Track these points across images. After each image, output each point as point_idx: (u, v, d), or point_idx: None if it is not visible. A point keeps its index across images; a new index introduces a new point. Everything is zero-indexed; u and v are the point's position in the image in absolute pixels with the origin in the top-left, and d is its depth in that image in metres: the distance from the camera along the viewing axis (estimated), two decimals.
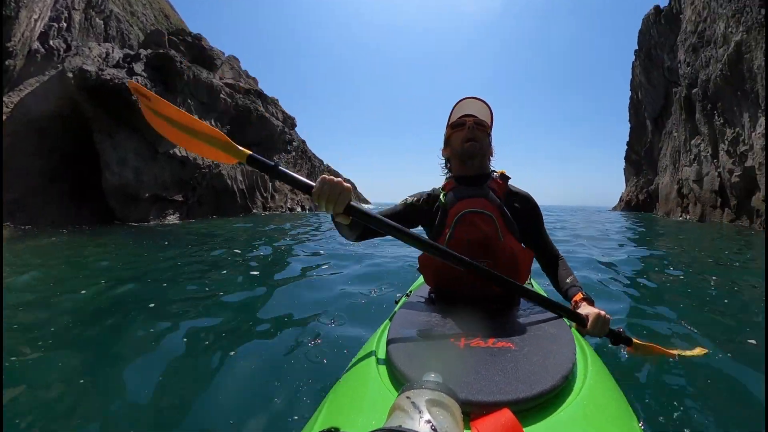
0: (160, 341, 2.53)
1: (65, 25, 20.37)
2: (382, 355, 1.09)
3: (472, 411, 0.76)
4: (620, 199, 43.00)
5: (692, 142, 16.34)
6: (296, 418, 1.68)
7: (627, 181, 43.20)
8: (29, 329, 2.79)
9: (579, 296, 1.31)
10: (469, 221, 1.37)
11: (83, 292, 3.75)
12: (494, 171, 1.57)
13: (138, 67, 15.22)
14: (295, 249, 6.94)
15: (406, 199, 1.57)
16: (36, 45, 16.58)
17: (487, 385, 0.83)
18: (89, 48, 17.20)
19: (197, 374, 2.11)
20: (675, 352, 1.42)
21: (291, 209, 22.28)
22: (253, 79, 31.66)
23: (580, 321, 1.20)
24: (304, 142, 31.23)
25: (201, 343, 2.52)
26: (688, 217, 16.51)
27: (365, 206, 1.44)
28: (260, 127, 21.75)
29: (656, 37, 29.91)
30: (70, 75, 13.27)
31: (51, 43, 18.87)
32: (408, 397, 0.59)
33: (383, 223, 1.17)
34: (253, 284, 4.10)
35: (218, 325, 2.84)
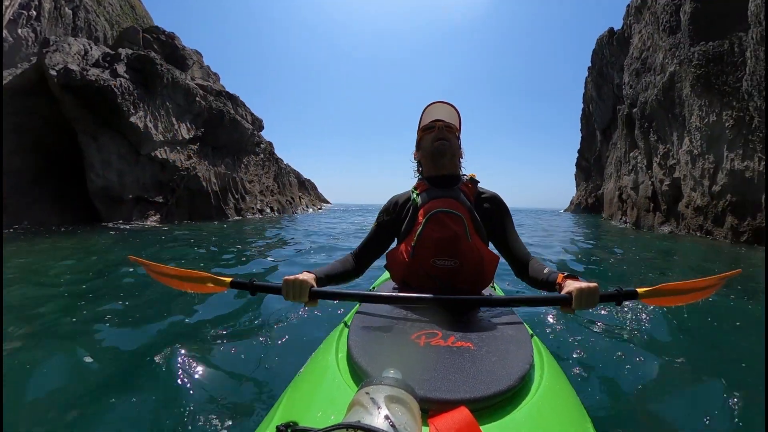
0: (114, 344, 2.60)
1: (35, 13, 19.98)
2: (342, 350, 1.11)
3: (430, 408, 0.77)
4: (571, 201, 46.01)
5: (631, 154, 18.44)
6: (255, 411, 1.70)
7: (578, 185, 46.24)
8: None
9: (560, 277, 1.29)
10: (439, 220, 1.40)
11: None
12: (464, 174, 1.64)
13: (120, 69, 15.31)
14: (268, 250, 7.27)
15: (377, 219, 1.65)
16: (4, 33, 16.20)
17: (445, 383, 0.84)
18: (68, 44, 16.87)
19: (151, 375, 2.09)
20: (694, 284, 1.31)
21: (261, 210, 22.80)
22: (216, 74, 31.50)
23: (563, 301, 1.18)
24: (270, 144, 31.68)
25: (156, 344, 2.52)
26: (626, 219, 18.56)
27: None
28: (232, 130, 22.12)
29: (608, 57, 32.52)
30: (54, 73, 13.27)
31: (19, 32, 18.42)
32: (367, 393, 0.60)
33: (347, 294, 1.37)
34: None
35: (173, 325, 2.90)
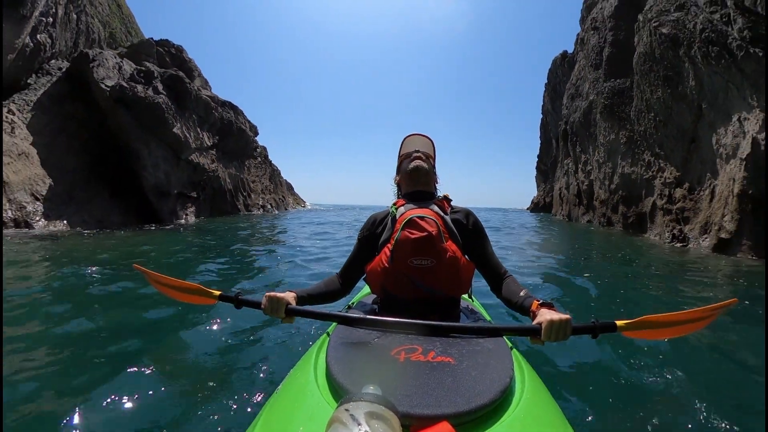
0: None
1: (51, 20, 20.27)
2: (321, 366, 1.11)
3: (411, 424, 0.77)
4: (532, 201, 51.22)
5: (565, 161, 23.27)
6: (232, 429, 1.68)
7: (538, 186, 51.50)
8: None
9: (535, 304, 1.27)
10: (415, 223, 1.49)
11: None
12: (439, 195, 1.78)
13: (159, 86, 18.71)
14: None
15: (358, 236, 1.74)
16: (26, 39, 16.93)
17: (426, 399, 0.84)
18: (106, 59, 18.99)
19: (120, 385, 2.08)
20: (682, 316, 1.21)
21: (263, 207, 26.49)
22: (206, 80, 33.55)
23: (533, 332, 1.16)
24: (265, 148, 35.15)
25: (128, 352, 2.57)
26: (562, 212, 23.36)
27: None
28: (239, 138, 25.72)
29: (561, 76, 37.60)
30: (106, 88, 16.52)
31: (38, 37, 18.82)
32: (347, 410, 0.60)
33: (322, 314, 1.36)
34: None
35: (146, 332, 2.95)
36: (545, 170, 47.52)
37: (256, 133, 32.50)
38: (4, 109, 15.09)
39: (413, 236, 1.47)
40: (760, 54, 9.55)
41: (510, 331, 1.28)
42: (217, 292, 1.48)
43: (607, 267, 7.35)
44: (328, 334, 1.39)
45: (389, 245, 1.53)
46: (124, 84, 16.89)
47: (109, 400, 1.94)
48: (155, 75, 19.66)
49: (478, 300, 2.25)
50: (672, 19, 12.50)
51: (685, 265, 7.83)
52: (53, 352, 2.76)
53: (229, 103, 29.04)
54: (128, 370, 2.26)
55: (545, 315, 1.17)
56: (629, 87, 16.46)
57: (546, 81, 43.01)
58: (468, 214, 1.68)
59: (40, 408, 1.96)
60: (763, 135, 9.09)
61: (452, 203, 1.75)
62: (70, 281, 5.00)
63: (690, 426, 1.89)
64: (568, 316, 1.15)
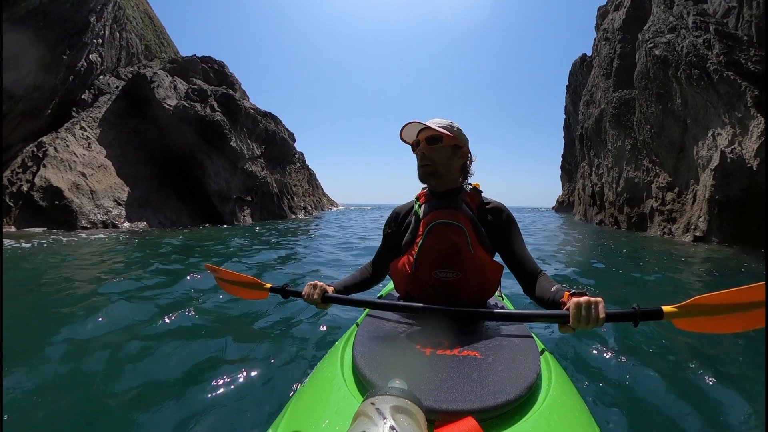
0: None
1: (100, 40, 21.90)
2: (347, 360, 1.11)
3: (436, 419, 0.77)
4: (557, 200, 52.43)
5: (582, 164, 24.90)
6: (259, 422, 1.70)
7: (563, 185, 52.60)
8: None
9: (566, 295, 1.18)
10: (439, 232, 1.40)
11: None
12: (470, 184, 1.59)
13: (214, 104, 21.60)
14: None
15: (383, 231, 1.70)
16: (86, 59, 18.88)
17: (451, 394, 0.84)
18: (162, 79, 21.39)
19: (150, 376, 2.17)
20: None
21: (305, 209, 29.28)
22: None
23: (561, 318, 1.11)
24: (302, 153, 37.96)
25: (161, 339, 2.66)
26: (580, 212, 25.10)
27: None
28: (281, 146, 28.51)
29: (581, 79, 38.75)
30: (168, 107, 19.38)
31: (91, 57, 20.42)
32: (372, 403, 0.60)
33: (355, 301, 1.46)
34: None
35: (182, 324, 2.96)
36: (569, 170, 48.66)
37: (294, 140, 35.33)
38: (77, 126, 17.79)
39: (438, 247, 1.39)
40: (732, 77, 11.36)
41: (538, 318, 1.19)
42: (268, 285, 1.61)
43: (615, 258, 8.41)
44: (357, 325, 1.39)
45: (413, 251, 1.45)
46: (186, 104, 19.76)
47: (134, 382, 2.07)
48: (208, 93, 22.41)
49: (508, 299, 2.19)
50: (664, 41, 14.27)
51: (672, 251, 9.70)
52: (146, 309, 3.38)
53: (270, 113, 31.82)
54: (151, 357, 2.39)
55: (574, 300, 1.10)
56: (634, 98, 18.13)
57: (567, 83, 44.16)
58: (499, 210, 1.53)
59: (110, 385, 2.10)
60: (730, 149, 10.92)
61: (483, 195, 1.58)
62: (155, 263, 6.32)
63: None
64: (599, 299, 1.08)
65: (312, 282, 1.51)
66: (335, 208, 42.76)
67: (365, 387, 0.93)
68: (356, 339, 1.18)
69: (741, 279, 6.26)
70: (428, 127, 1.49)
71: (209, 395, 1.91)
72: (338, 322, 2.94)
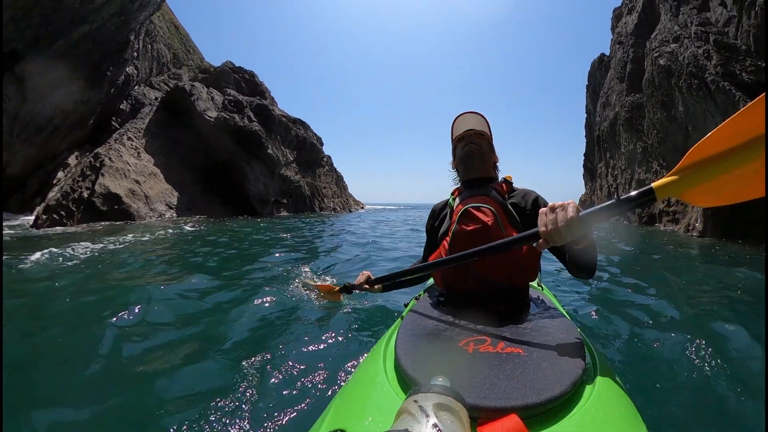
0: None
1: (136, 54, 23.98)
2: (390, 358, 1.13)
3: (479, 416, 0.77)
4: (579, 199, 52.80)
5: (599, 164, 25.84)
6: (303, 419, 1.72)
7: (585, 184, 52.89)
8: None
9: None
10: (470, 215, 1.48)
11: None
12: (502, 178, 1.70)
13: (251, 115, 23.61)
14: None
15: (426, 228, 1.85)
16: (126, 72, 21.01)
17: (495, 391, 0.84)
18: (199, 92, 23.37)
19: (197, 369, 2.20)
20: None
21: (334, 209, 31.17)
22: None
23: (533, 237, 1.12)
24: (330, 157, 39.72)
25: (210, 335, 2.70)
26: None
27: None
28: (311, 151, 30.47)
29: (599, 79, 39.11)
30: (209, 118, 21.46)
31: (128, 70, 22.17)
32: (415, 401, 0.61)
33: (395, 275, 1.72)
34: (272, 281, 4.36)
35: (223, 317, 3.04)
36: (591, 168, 48.92)
37: (322, 144, 37.17)
38: (124, 137, 19.90)
39: (469, 228, 1.46)
40: (728, 87, 12.42)
41: (512, 244, 1.19)
42: (336, 288, 1.91)
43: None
44: (396, 327, 1.40)
45: (447, 238, 1.54)
46: (226, 115, 21.81)
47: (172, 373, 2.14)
48: (244, 104, 24.31)
49: (549, 292, 2.12)
50: (669, 50, 15.31)
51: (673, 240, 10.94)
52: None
53: (300, 120, 33.59)
54: (199, 350, 2.44)
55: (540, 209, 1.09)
56: (644, 103, 19.05)
57: (587, 83, 44.48)
58: (526, 194, 1.57)
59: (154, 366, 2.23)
60: None
61: (513, 185, 1.65)
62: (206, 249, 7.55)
63: None
64: (568, 201, 1.04)
65: (366, 272, 1.95)
66: (360, 209, 44.38)
67: (408, 384, 0.94)
68: (398, 336, 1.19)
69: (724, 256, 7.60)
70: (475, 127, 1.72)
71: (253, 391, 1.89)
72: (381, 317, 2.93)
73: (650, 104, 16.64)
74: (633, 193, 1.02)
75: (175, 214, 18.99)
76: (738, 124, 0.86)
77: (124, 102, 22.69)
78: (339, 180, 38.42)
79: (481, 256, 1.25)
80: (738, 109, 0.89)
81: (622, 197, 1.01)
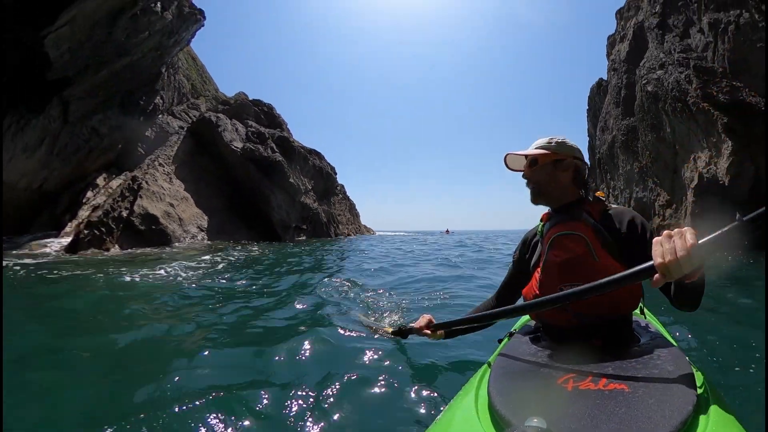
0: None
1: (162, 84, 24.43)
2: (482, 396, 1.08)
3: None
4: None
5: (600, 186, 27.15)
6: None
7: None
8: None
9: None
10: (560, 244, 1.39)
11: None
12: (593, 194, 1.57)
13: (273, 146, 25.19)
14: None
15: (513, 257, 1.70)
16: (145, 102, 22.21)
17: None
18: (224, 123, 24.68)
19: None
20: None
21: (347, 235, 32.68)
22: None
23: (648, 271, 0.97)
24: (343, 186, 41.23)
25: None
26: None
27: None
28: (327, 181, 32.18)
29: (598, 103, 40.79)
30: (236, 148, 23.01)
31: (155, 100, 23.21)
32: None
33: (464, 320, 1.60)
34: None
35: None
36: (595, 190, 49.92)
37: (336, 173, 38.90)
38: (156, 162, 21.22)
39: (559, 259, 1.38)
40: (707, 107, 13.86)
41: (621, 281, 1.03)
42: (390, 329, 1.90)
43: None
44: (489, 365, 1.32)
45: (539, 269, 1.46)
46: (251, 146, 23.52)
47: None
48: (266, 136, 25.85)
49: (654, 317, 1.97)
50: (655, 77, 16.87)
51: None
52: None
53: (315, 150, 34.99)
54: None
55: (654, 239, 0.97)
56: (638, 126, 20.54)
57: (587, 107, 46.22)
58: (623, 214, 1.44)
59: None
60: (706, 169, 13.35)
61: (607, 202, 1.51)
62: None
63: None
64: (684, 228, 0.94)
65: (427, 315, 1.83)
66: (370, 235, 45.70)
67: (501, 425, 0.90)
68: (491, 375, 1.14)
69: None
70: (521, 155, 1.56)
71: (341, 423, 1.89)
72: (472, 356, 2.74)
73: (642, 127, 18.12)
74: (757, 212, 0.83)
75: (205, 237, 20.25)
76: None
77: (149, 129, 23.91)
78: (352, 207, 40.06)
79: (579, 298, 1.12)
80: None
81: (744, 217, 0.85)
